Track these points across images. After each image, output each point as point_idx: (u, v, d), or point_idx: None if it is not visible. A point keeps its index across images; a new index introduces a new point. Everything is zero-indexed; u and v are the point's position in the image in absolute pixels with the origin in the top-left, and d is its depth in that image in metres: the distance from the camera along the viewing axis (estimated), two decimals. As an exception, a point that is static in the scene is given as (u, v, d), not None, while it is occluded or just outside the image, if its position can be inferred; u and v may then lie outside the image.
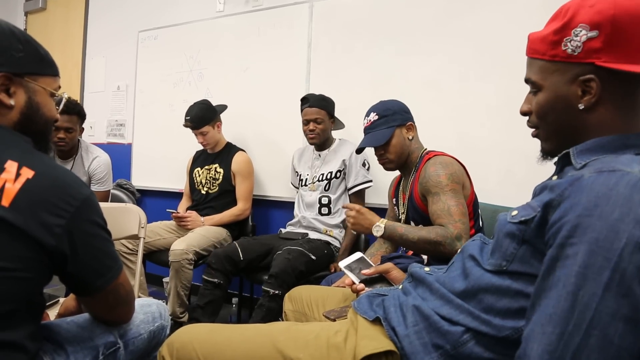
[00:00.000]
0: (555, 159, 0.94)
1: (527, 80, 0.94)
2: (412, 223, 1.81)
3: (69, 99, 2.59)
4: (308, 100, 2.52)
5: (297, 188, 2.75)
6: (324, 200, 2.54)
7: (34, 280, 0.89)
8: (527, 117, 0.99)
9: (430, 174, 1.64)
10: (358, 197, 2.53)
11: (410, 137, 1.80)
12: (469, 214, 1.64)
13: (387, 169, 1.86)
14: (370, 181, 2.51)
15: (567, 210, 0.72)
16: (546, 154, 0.97)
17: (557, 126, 0.90)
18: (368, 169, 2.51)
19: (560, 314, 0.67)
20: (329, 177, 2.53)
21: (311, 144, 2.60)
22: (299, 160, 2.76)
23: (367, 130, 1.83)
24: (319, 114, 2.49)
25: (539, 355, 0.67)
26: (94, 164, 2.75)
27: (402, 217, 1.86)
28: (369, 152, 2.31)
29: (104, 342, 1.10)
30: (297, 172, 2.74)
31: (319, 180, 2.56)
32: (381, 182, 2.49)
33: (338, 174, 2.52)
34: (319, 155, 2.62)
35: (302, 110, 2.55)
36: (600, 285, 0.65)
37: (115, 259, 1.02)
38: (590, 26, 0.80)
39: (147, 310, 1.26)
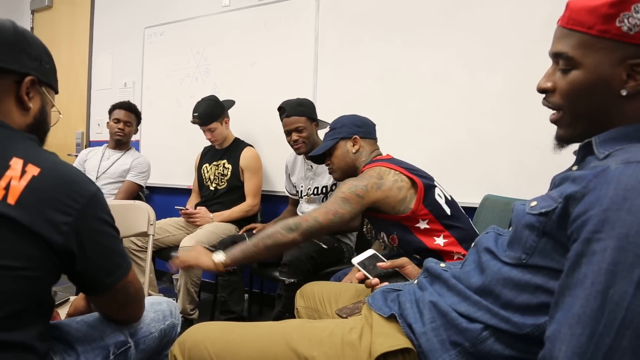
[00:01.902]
0: (570, 146, 0.89)
1: (558, 55, 0.84)
2: (381, 233, 1.77)
3: (129, 102, 3.18)
4: (284, 110, 2.44)
5: (292, 196, 2.74)
6: None
7: (42, 279, 0.88)
8: (542, 97, 0.90)
9: (345, 180, 1.66)
10: None
11: (354, 151, 1.80)
12: (422, 212, 1.57)
13: (334, 179, 1.91)
14: None
15: (592, 203, 0.68)
16: (563, 141, 0.89)
17: (588, 110, 0.82)
18: None
19: (589, 314, 0.64)
20: (324, 191, 2.49)
21: (299, 154, 2.54)
22: (292, 170, 2.72)
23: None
24: (299, 122, 2.40)
25: (569, 358, 0.64)
26: (139, 159, 3.20)
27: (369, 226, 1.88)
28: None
29: (115, 341, 1.09)
30: (292, 183, 2.71)
31: (314, 194, 2.52)
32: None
33: (334, 187, 2.46)
34: (311, 166, 2.55)
35: (282, 121, 2.47)
36: (632, 283, 0.62)
37: (124, 256, 1.01)
38: None
39: (158, 308, 1.25)
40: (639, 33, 0.74)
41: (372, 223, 1.80)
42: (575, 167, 0.86)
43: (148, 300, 1.23)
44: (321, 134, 2.59)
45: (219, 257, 1.48)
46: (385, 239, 1.72)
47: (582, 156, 0.85)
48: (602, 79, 0.78)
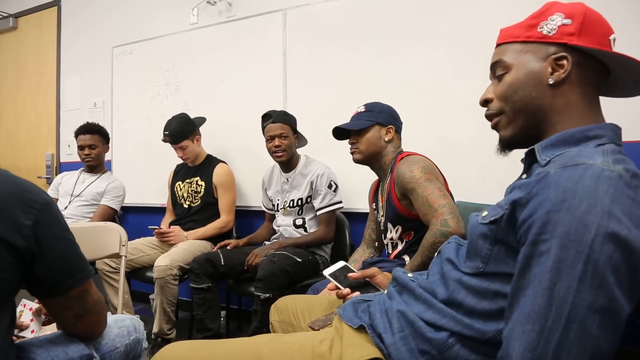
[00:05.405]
0: (513, 152, 0.98)
1: (495, 64, 0.96)
2: (389, 225, 1.82)
3: (88, 123, 3.13)
4: (270, 117, 2.45)
5: (268, 211, 2.74)
6: (299, 222, 2.53)
7: (8, 282, 0.90)
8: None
9: (403, 172, 1.67)
10: (326, 218, 2.45)
11: (387, 139, 1.82)
12: None
13: (354, 159, 1.88)
14: (339, 202, 2.46)
15: (536, 207, 0.73)
16: (506, 143, 0.97)
17: (523, 105, 0.91)
18: (335, 190, 2.45)
19: (538, 311, 0.67)
20: (299, 203, 2.51)
21: (279, 161, 2.52)
22: (269, 184, 2.71)
23: (351, 119, 1.88)
24: (284, 129, 2.43)
25: (521, 355, 0.67)
26: (114, 183, 3.18)
27: (382, 219, 1.87)
28: (336, 171, 2.44)
29: (79, 354, 1.09)
30: (269, 197, 2.71)
31: (290, 207, 2.54)
32: (362, 186, 2.49)
33: (309, 199, 2.49)
34: (287, 179, 2.56)
35: (263, 128, 2.49)
36: (575, 278, 0.66)
37: (85, 260, 1.04)
38: (565, 15, 0.87)
39: (122, 324, 1.27)
40: (556, 34, 0.87)
41: (394, 216, 1.78)
42: (524, 176, 0.91)
43: (112, 317, 1.26)
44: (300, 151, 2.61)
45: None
46: (396, 233, 1.78)
47: (529, 164, 0.92)
48: (532, 74, 0.90)
